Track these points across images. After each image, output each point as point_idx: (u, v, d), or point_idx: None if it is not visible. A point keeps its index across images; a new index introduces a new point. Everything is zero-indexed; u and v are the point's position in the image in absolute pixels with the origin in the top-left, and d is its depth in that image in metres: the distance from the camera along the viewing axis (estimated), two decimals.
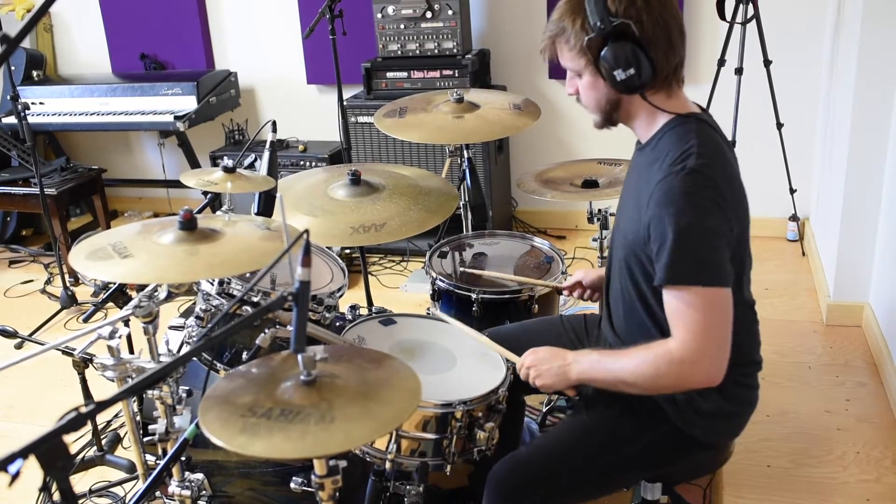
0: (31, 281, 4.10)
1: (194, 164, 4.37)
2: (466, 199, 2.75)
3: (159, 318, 1.83)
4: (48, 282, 4.06)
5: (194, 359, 2.02)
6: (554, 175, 2.65)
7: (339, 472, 1.44)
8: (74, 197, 4.12)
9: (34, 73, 4.42)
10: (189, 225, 1.66)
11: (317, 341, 1.70)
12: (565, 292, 2.12)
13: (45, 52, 4.61)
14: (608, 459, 1.66)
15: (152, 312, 1.81)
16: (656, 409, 1.65)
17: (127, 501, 2.36)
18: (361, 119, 3.82)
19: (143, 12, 4.46)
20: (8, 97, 3.55)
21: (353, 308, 2.13)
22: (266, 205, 2.06)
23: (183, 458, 1.83)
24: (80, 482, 2.47)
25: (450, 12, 3.70)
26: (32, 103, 4.13)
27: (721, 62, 3.47)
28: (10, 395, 3.05)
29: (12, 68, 4.19)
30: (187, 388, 1.90)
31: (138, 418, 2.12)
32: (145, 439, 1.92)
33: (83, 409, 0.97)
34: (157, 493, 2.06)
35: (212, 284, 1.95)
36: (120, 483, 2.45)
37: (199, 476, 1.89)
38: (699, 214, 1.46)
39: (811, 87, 3.76)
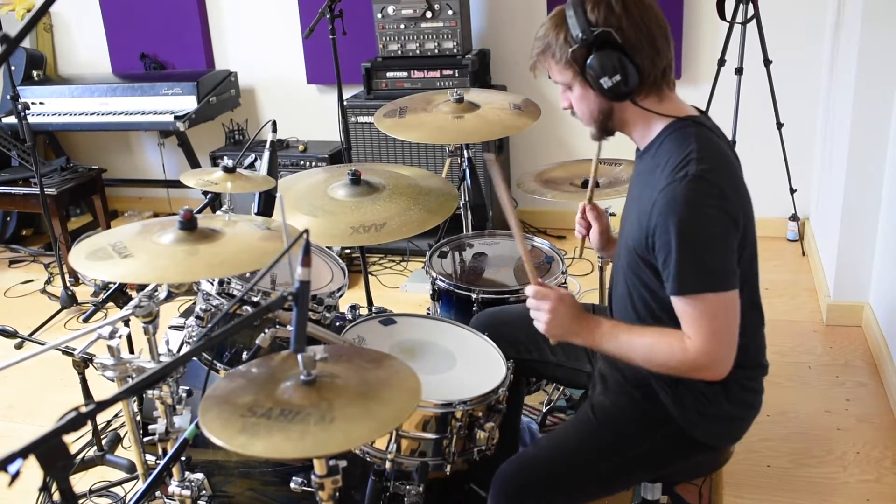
0: (31, 281, 4.10)
1: (194, 164, 4.37)
2: (466, 199, 2.75)
3: (159, 318, 1.83)
4: (48, 282, 4.06)
5: (194, 359, 2.02)
6: (554, 175, 2.65)
7: (339, 472, 1.44)
8: (74, 197, 4.12)
9: (34, 73, 4.42)
10: (189, 225, 1.66)
11: (317, 341, 1.70)
12: (579, 214, 2.02)
13: (45, 52, 4.61)
14: (613, 461, 1.67)
15: (152, 312, 1.81)
16: (661, 411, 1.65)
17: (127, 501, 2.36)
18: (361, 119, 3.82)
19: (143, 12, 4.46)
20: (8, 97, 3.55)
21: (353, 308, 2.13)
22: (266, 205, 2.06)
23: (183, 458, 1.83)
24: (80, 482, 2.47)
25: (450, 12, 3.70)
26: (32, 103, 4.13)
27: (721, 62, 3.47)
28: (10, 395, 3.05)
29: (12, 68, 4.18)
30: (187, 388, 1.90)
31: (138, 418, 2.12)
32: (145, 439, 1.93)
33: (83, 409, 0.97)
34: (157, 493, 2.06)
35: (212, 284, 1.95)
36: (120, 483, 2.45)
37: (199, 476, 1.89)
38: (704, 223, 1.47)
39: (811, 87, 3.76)
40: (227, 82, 4.33)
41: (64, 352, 2.25)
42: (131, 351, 2.41)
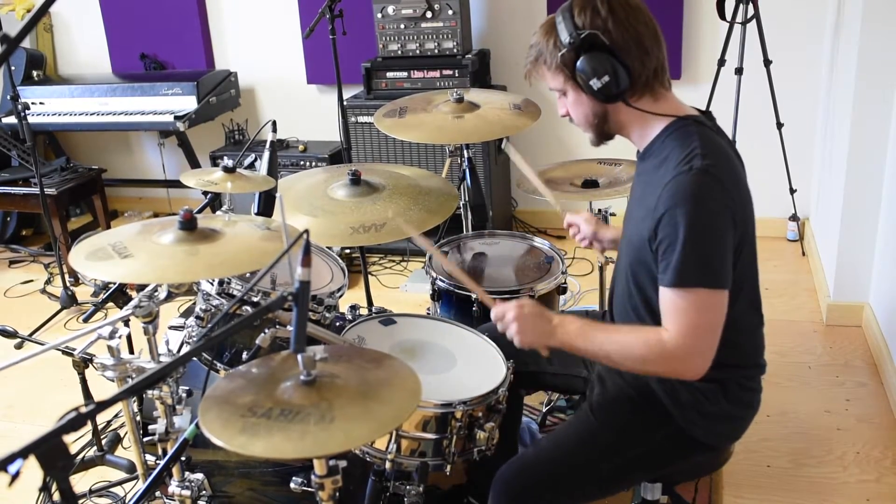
0: (31, 281, 4.10)
1: (194, 164, 4.37)
2: (466, 199, 2.75)
3: (159, 318, 1.83)
4: (48, 282, 4.06)
5: (194, 359, 2.02)
6: (554, 175, 2.65)
7: (339, 472, 1.44)
8: (74, 197, 4.12)
9: (34, 73, 4.42)
10: (189, 225, 1.66)
11: (317, 341, 1.70)
12: (565, 223, 2.10)
13: (45, 52, 4.61)
14: (613, 461, 1.67)
15: (152, 312, 1.81)
16: (660, 411, 1.65)
17: (127, 501, 2.37)
18: (361, 119, 3.82)
19: (143, 12, 4.46)
20: (8, 97, 3.55)
21: (353, 308, 2.13)
22: (266, 205, 2.06)
23: (183, 458, 1.83)
24: (80, 482, 2.47)
25: (450, 12, 3.70)
26: (32, 103, 4.13)
27: (721, 62, 3.47)
28: (10, 395, 3.05)
29: (12, 68, 4.18)
30: (187, 388, 1.90)
31: (138, 418, 2.12)
32: (145, 439, 1.93)
33: (83, 409, 0.97)
34: (157, 493, 2.06)
35: (212, 284, 1.95)
36: (120, 483, 2.45)
37: (199, 476, 1.89)
38: (708, 216, 1.47)
39: (811, 87, 3.76)
40: (227, 82, 4.33)
41: (64, 352, 2.25)
42: (131, 351, 2.41)
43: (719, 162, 1.51)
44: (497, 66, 4.09)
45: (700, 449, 1.69)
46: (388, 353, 1.51)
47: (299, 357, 1.30)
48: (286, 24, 4.32)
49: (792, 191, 3.70)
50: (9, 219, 4.55)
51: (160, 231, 1.69)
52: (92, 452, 2.53)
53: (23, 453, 0.90)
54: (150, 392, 1.83)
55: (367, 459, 1.72)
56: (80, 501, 2.38)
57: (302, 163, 3.96)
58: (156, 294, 1.84)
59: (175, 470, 1.84)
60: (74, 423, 0.95)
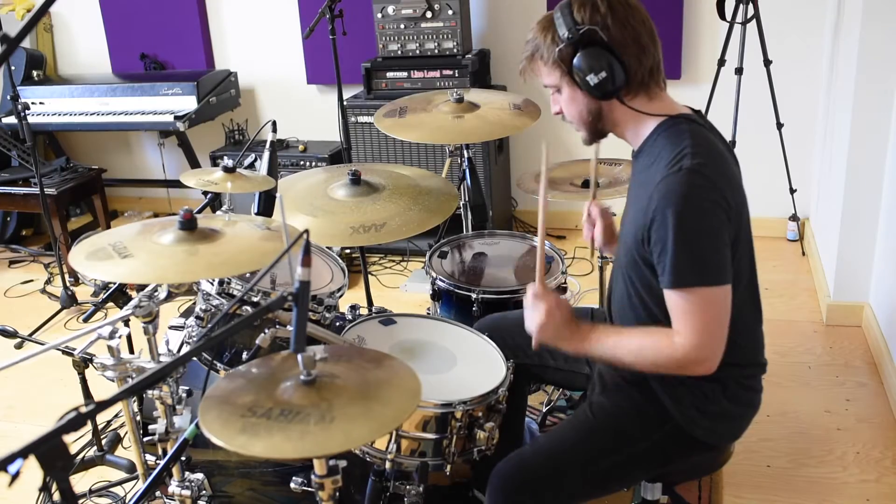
0: (31, 281, 4.10)
1: (194, 164, 4.37)
2: (466, 199, 2.75)
3: (159, 318, 1.83)
4: (48, 282, 4.06)
5: (194, 359, 2.02)
6: (554, 175, 2.65)
7: (338, 472, 1.44)
8: (74, 197, 4.12)
9: (34, 73, 4.42)
10: (189, 225, 1.67)
11: (317, 341, 1.70)
12: (585, 214, 2.02)
13: (45, 52, 4.61)
14: (612, 459, 1.67)
15: (152, 312, 1.81)
16: (660, 410, 1.65)
17: (127, 501, 2.37)
18: (361, 119, 3.82)
19: (143, 12, 4.46)
20: (8, 97, 3.55)
21: (353, 308, 2.13)
22: (266, 205, 2.06)
23: (183, 458, 1.83)
24: (80, 482, 2.47)
25: (450, 12, 3.70)
26: (32, 103, 4.13)
27: (721, 62, 3.47)
28: (10, 395, 3.05)
29: (12, 68, 4.19)
30: (187, 388, 1.90)
31: (138, 418, 2.12)
32: (145, 439, 1.92)
33: (83, 409, 0.97)
34: (157, 493, 2.06)
35: (212, 284, 1.95)
36: (120, 483, 2.45)
37: (199, 476, 1.89)
38: (699, 216, 1.47)
39: (811, 87, 3.76)
40: (227, 82, 4.33)
41: (64, 352, 2.25)
42: (131, 351, 2.41)
43: (710, 160, 1.51)
44: (497, 66, 4.09)
45: (700, 448, 1.69)
46: (388, 353, 1.51)
47: (299, 357, 1.30)
48: (286, 24, 4.32)
49: (792, 191, 3.70)
50: (9, 219, 4.55)
51: (160, 231, 1.69)
52: (92, 452, 2.53)
53: (23, 453, 0.90)
54: (150, 392, 1.83)
55: (367, 459, 1.72)
56: (80, 501, 2.38)
57: (302, 163, 3.96)
58: (156, 294, 1.84)
59: (175, 470, 1.84)
60: (74, 423, 0.95)
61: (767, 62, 3.42)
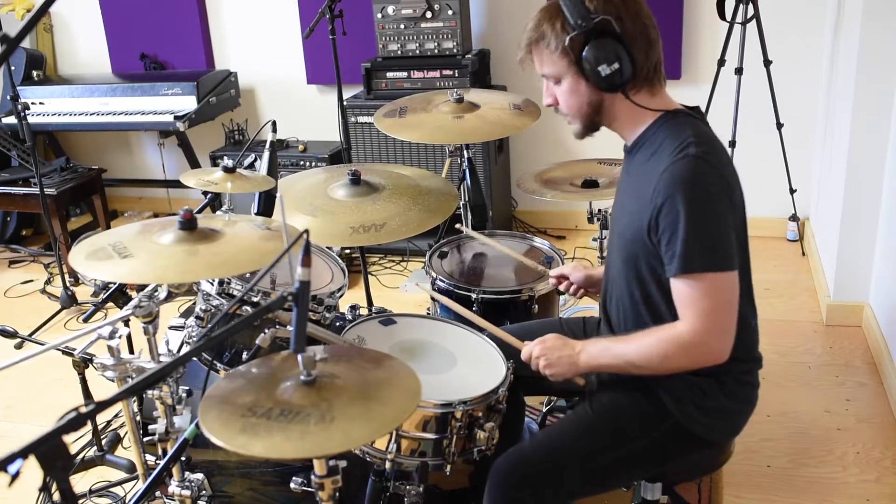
0: (31, 281, 4.10)
1: (194, 164, 4.37)
2: (466, 199, 2.75)
3: (159, 318, 1.83)
4: (48, 282, 4.06)
5: (194, 359, 2.02)
6: (554, 175, 2.65)
7: (338, 472, 1.44)
8: (74, 197, 4.12)
9: (34, 73, 4.42)
10: (189, 225, 1.67)
11: (317, 341, 1.70)
12: (552, 280, 2.10)
13: (45, 52, 4.61)
14: (611, 456, 1.66)
15: (152, 312, 1.81)
16: (659, 406, 1.65)
17: (127, 501, 2.36)
18: (361, 119, 3.82)
19: (143, 12, 4.46)
20: (8, 97, 3.55)
21: (353, 308, 2.13)
22: (266, 205, 2.06)
23: (183, 458, 1.83)
24: (80, 482, 2.47)
25: (450, 12, 3.70)
26: (32, 103, 4.13)
27: (721, 62, 3.47)
28: (10, 395, 3.05)
29: (12, 68, 4.18)
30: (187, 388, 1.90)
31: (138, 418, 2.12)
32: (145, 439, 1.92)
33: (83, 409, 0.97)
34: (157, 493, 2.06)
35: (212, 284, 1.95)
36: (120, 483, 2.45)
37: (199, 476, 1.89)
38: (708, 201, 1.48)
39: (811, 87, 3.76)
40: (226, 82, 4.33)
41: (64, 352, 2.25)
42: (131, 351, 2.41)
43: (713, 149, 1.53)
44: (497, 66, 4.09)
45: (699, 445, 1.69)
46: (388, 353, 1.51)
47: (299, 357, 1.30)
48: (286, 24, 4.32)
49: (792, 191, 3.70)
50: (9, 219, 4.55)
51: (160, 231, 1.69)
52: (92, 452, 2.53)
53: (23, 453, 0.90)
54: (150, 392, 1.83)
55: (367, 459, 1.72)
56: (80, 501, 2.38)
57: (302, 163, 3.96)
58: (156, 294, 1.84)
59: (175, 470, 1.83)
60: (74, 423, 0.95)
61: (767, 62, 3.42)
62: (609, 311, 1.78)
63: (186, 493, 1.84)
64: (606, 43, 1.51)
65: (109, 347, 1.81)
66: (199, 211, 1.88)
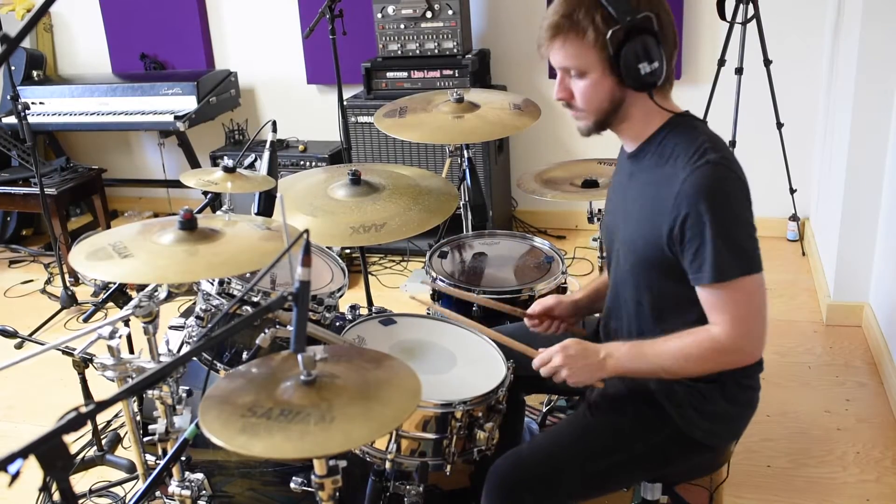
0: (31, 281, 4.10)
1: (194, 164, 4.37)
2: (466, 199, 2.75)
3: (159, 318, 1.83)
4: (48, 282, 4.06)
5: (194, 359, 2.02)
6: (554, 175, 2.65)
7: (338, 472, 1.44)
8: (74, 197, 4.12)
9: (34, 73, 4.42)
10: (189, 225, 1.66)
11: (317, 341, 1.70)
12: (528, 321, 1.90)
13: (45, 52, 4.61)
14: (609, 460, 1.66)
15: (152, 312, 1.81)
16: (659, 412, 1.65)
17: (127, 501, 2.37)
18: (361, 119, 3.82)
19: (143, 12, 4.46)
20: (8, 97, 3.55)
21: (353, 308, 2.13)
22: (266, 205, 2.06)
23: (183, 458, 1.83)
24: (80, 482, 2.47)
25: (450, 12, 3.70)
26: (32, 103, 4.13)
27: (721, 62, 3.47)
28: (10, 395, 3.05)
29: (12, 68, 4.19)
30: (187, 388, 1.90)
31: (138, 418, 2.12)
32: (145, 439, 1.92)
33: (83, 409, 0.97)
34: (157, 493, 2.06)
35: (212, 284, 1.95)
36: (120, 483, 2.45)
37: (199, 476, 1.89)
38: (732, 206, 1.48)
39: (811, 87, 3.76)
40: (227, 82, 4.33)
41: (64, 352, 2.25)
42: (131, 351, 2.41)
43: (727, 153, 1.52)
44: (497, 66, 4.09)
45: (699, 449, 1.69)
46: (388, 353, 1.51)
47: (299, 357, 1.30)
48: (286, 24, 4.32)
49: (792, 191, 3.70)
50: (9, 219, 4.55)
51: (160, 231, 1.69)
52: (92, 452, 2.53)
53: (23, 453, 0.90)
54: (150, 392, 1.83)
55: (367, 459, 1.72)
56: (80, 501, 2.38)
57: (302, 163, 3.96)
58: (156, 294, 1.84)
59: (175, 470, 1.83)
60: (74, 423, 0.95)
61: (767, 62, 3.42)
62: (612, 317, 1.76)
63: (186, 493, 1.84)
64: (647, 40, 1.45)
65: (109, 347, 1.81)
66: (199, 211, 1.88)
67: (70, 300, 3.70)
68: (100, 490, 2.43)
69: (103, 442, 2.56)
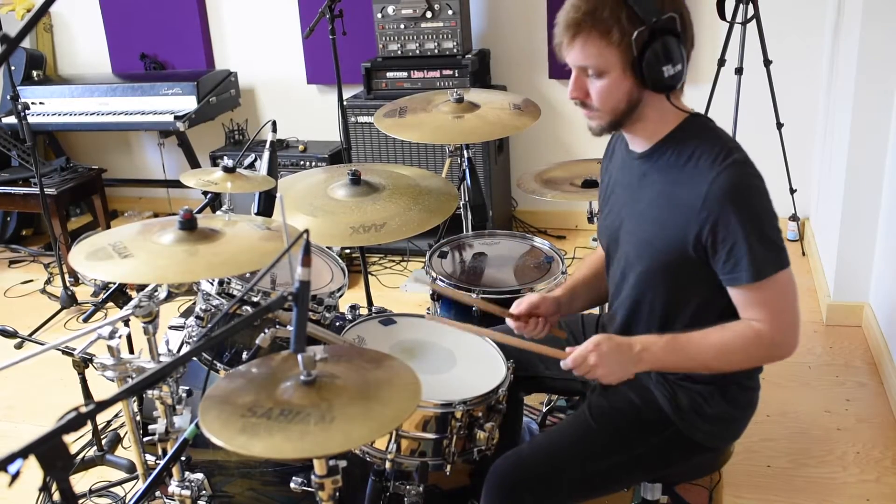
0: (31, 281, 4.10)
1: (194, 164, 4.37)
2: (466, 199, 2.75)
3: (159, 318, 1.83)
4: (48, 282, 4.06)
5: (194, 359, 2.02)
6: (554, 175, 2.65)
7: (338, 472, 1.44)
8: (74, 197, 4.12)
9: (34, 73, 4.42)
10: (189, 225, 1.67)
11: (317, 341, 1.70)
12: (512, 322, 1.79)
13: (45, 52, 4.61)
14: (609, 461, 1.66)
15: (152, 312, 1.81)
16: (660, 414, 1.65)
17: (127, 501, 2.37)
18: (361, 119, 3.82)
19: (143, 12, 4.46)
20: (8, 97, 3.55)
21: (353, 308, 2.13)
22: (266, 205, 2.06)
23: (183, 458, 1.83)
24: (80, 482, 2.47)
25: (450, 12, 3.70)
26: (32, 103, 4.13)
27: (721, 62, 3.47)
28: (10, 395, 3.05)
29: (12, 68, 4.19)
30: (187, 388, 1.90)
31: (138, 418, 2.12)
32: (145, 439, 1.93)
33: (83, 409, 0.97)
34: (157, 493, 2.06)
35: (212, 284, 1.95)
36: (120, 483, 2.45)
37: (199, 476, 1.90)
38: (764, 202, 1.49)
39: (811, 87, 3.76)
40: (227, 82, 4.33)
41: (64, 352, 2.25)
42: (131, 351, 2.41)
43: (745, 152, 1.52)
44: (497, 66, 4.09)
45: (700, 450, 1.69)
46: (388, 353, 1.51)
47: (299, 357, 1.30)
48: (286, 24, 4.32)
49: (792, 191, 3.70)
50: (9, 219, 4.55)
51: (160, 231, 1.69)
52: (92, 452, 2.53)
53: (23, 453, 0.90)
54: (150, 392, 1.83)
55: (367, 459, 1.72)
56: (80, 501, 2.38)
57: (302, 163, 3.96)
58: (156, 294, 1.84)
59: (175, 470, 1.84)
60: (74, 423, 0.95)
61: (767, 62, 3.42)
62: (615, 317, 1.74)
63: (186, 493, 1.85)
64: (671, 42, 1.43)
65: (109, 347, 1.81)
66: (199, 211, 1.88)
67: (70, 300, 3.70)
68: (100, 490, 2.43)
69: (103, 442, 2.56)
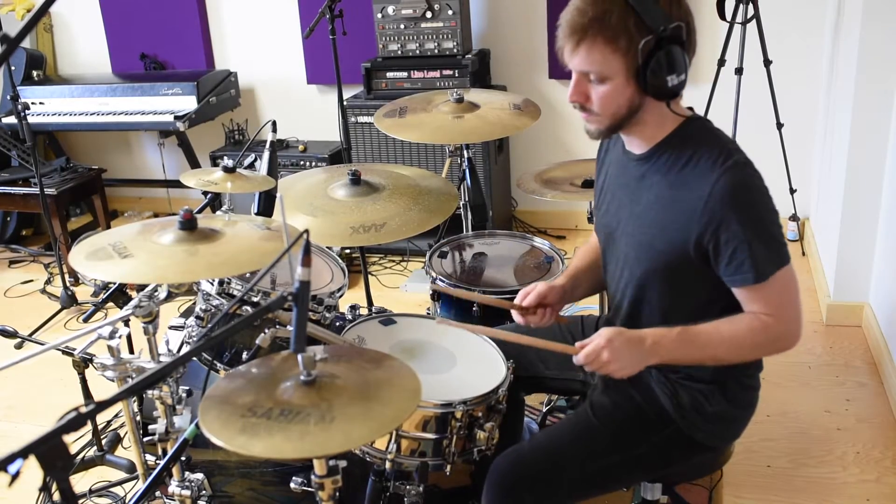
0: (31, 281, 4.10)
1: (194, 164, 4.37)
2: (466, 199, 2.75)
3: (159, 318, 1.83)
4: (48, 282, 4.06)
5: (194, 359, 2.02)
6: (554, 175, 2.65)
7: (338, 472, 1.44)
8: (74, 197, 4.12)
9: (34, 73, 4.42)
10: (189, 225, 1.67)
11: (317, 341, 1.70)
12: (518, 316, 1.78)
13: (45, 52, 4.61)
14: (609, 460, 1.66)
15: (152, 312, 1.81)
16: (660, 413, 1.65)
17: (127, 501, 2.37)
18: (361, 119, 3.82)
19: (143, 12, 4.46)
20: (8, 97, 3.55)
21: (353, 308, 2.13)
22: (266, 205, 2.07)
23: (183, 458, 1.83)
24: (80, 482, 2.47)
25: (450, 12, 3.70)
26: (32, 103, 4.13)
27: (721, 62, 3.47)
28: (10, 395, 3.05)
29: (12, 68, 4.18)
30: (187, 388, 1.90)
31: (138, 418, 2.12)
32: (145, 439, 1.93)
33: (83, 409, 0.97)
34: (157, 493, 2.06)
35: (212, 284, 1.95)
36: (120, 483, 2.45)
37: (199, 476, 1.90)
38: (765, 202, 1.50)
39: (811, 87, 3.76)
40: (226, 82, 4.33)
41: (64, 352, 2.25)
42: (131, 351, 2.41)
43: (743, 152, 1.53)
44: (497, 66, 4.09)
45: (700, 450, 1.69)
46: (388, 353, 1.51)
47: (299, 357, 1.30)
48: (286, 24, 4.32)
49: (792, 191, 3.70)
50: (9, 219, 4.55)
51: (160, 231, 1.69)
52: (92, 452, 2.53)
53: (23, 453, 0.90)
54: (150, 392, 1.83)
55: (367, 459, 1.72)
56: (80, 501, 2.38)
57: (302, 163, 3.96)
58: (156, 294, 1.84)
59: (175, 470, 1.84)
60: (74, 423, 0.95)
61: (767, 62, 3.42)
62: (617, 314, 1.74)
63: (186, 493, 1.85)
64: (676, 51, 1.43)
65: (109, 347, 1.81)
66: (199, 211, 1.88)
67: (70, 300, 3.70)
68: (100, 490, 2.43)
69: (103, 442, 2.56)
